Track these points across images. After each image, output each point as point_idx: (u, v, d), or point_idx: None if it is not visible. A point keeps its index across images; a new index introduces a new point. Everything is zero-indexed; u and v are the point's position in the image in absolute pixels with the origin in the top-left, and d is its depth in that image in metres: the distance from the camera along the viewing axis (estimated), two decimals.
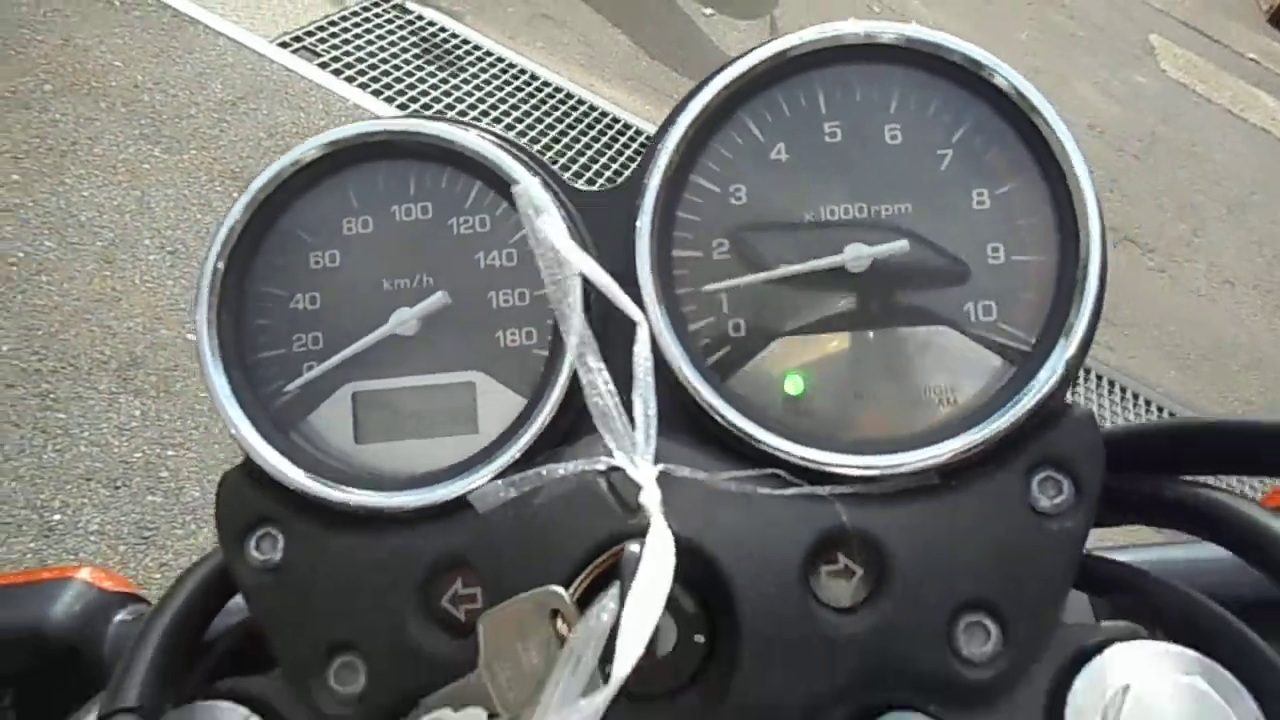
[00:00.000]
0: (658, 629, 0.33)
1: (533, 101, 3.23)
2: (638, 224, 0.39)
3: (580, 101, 3.30)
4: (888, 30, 0.39)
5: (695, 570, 0.35)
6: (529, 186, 0.39)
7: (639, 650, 0.30)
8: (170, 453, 1.96)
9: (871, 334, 0.38)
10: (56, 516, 1.81)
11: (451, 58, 3.26)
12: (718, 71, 0.40)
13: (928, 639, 0.35)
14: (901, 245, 0.37)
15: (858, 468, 0.36)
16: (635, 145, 3.24)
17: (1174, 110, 5.02)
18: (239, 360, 0.40)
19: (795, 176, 0.40)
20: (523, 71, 3.33)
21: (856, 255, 0.38)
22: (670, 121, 0.40)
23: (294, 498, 0.38)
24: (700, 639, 0.36)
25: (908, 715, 0.35)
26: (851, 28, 0.39)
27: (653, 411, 0.36)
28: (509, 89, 3.24)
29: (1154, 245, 4.09)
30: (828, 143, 0.39)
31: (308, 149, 0.41)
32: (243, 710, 0.38)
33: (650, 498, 0.34)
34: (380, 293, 0.41)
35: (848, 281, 0.38)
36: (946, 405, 0.38)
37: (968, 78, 0.39)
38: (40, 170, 2.45)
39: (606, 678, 0.31)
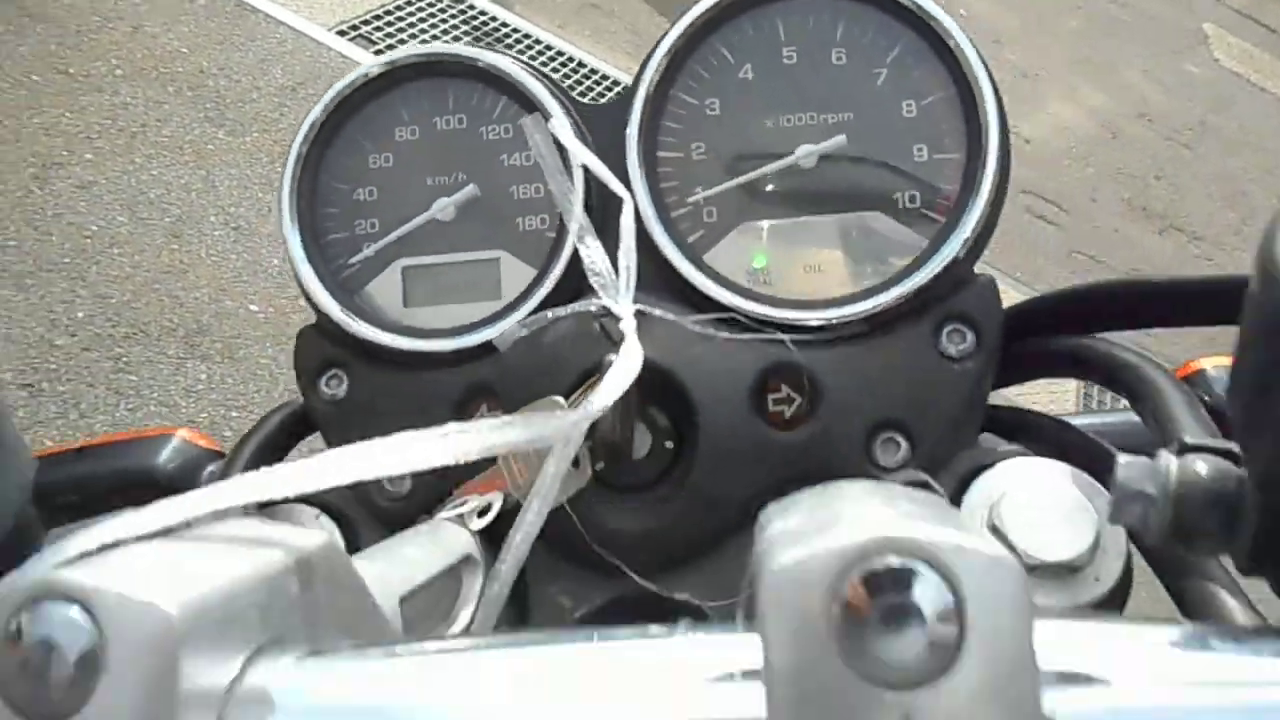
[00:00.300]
0: (635, 435, 0.43)
1: (581, 89, 3.31)
2: (627, 129, 0.48)
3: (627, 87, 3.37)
4: None
5: (665, 391, 0.44)
6: (542, 98, 0.49)
7: (606, 403, 0.39)
8: (234, 414, 2.06)
9: (820, 218, 0.47)
10: None
11: (502, 46, 3.35)
12: (693, 5, 0.49)
13: (850, 450, 0.44)
14: (840, 140, 0.47)
15: (801, 320, 0.45)
16: None
17: (1226, 99, 4.95)
18: (314, 239, 0.49)
19: (759, 91, 0.48)
20: (571, 59, 3.41)
21: (806, 153, 0.47)
22: (655, 48, 0.49)
23: (356, 345, 0.48)
24: (669, 445, 0.46)
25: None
26: None
27: (632, 266, 0.45)
28: (559, 75, 3.32)
29: (1201, 234, 4.05)
30: (786, 64, 0.48)
31: (370, 67, 0.51)
32: (312, 510, 0.46)
33: (627, 325, 0.43)
34: (424, 186, 0.50)
35: (801, 176, 0.47)
36: (877, 273, 0.47)
37: (898, 9, 0.48)
38: (112, 150, 2.57)
39: (592, 457, 0.41)
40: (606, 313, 0.45)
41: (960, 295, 0.45)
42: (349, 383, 0.48)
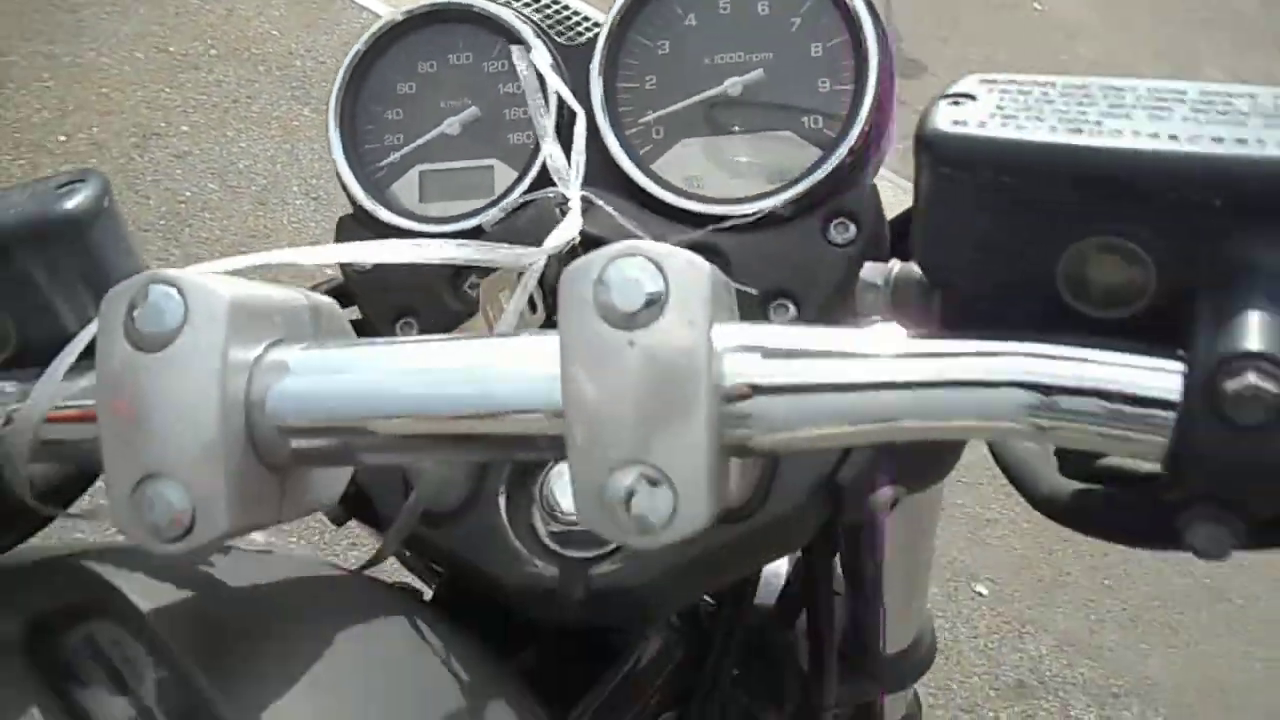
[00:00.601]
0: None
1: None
2: (591, 64, 0.58)
3: None
4: None
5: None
6: (526, 36, 0.59)
7: (551, 247, 0.49)
8: None
9: (742, 136, 0.57)
10: None
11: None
12: None
13: (748, 312, 0.50)
14: (759, 74, 0.57)
15: (720, 213, 0.54)
16: None
17: None
18: (353, 147, 0.60)
19: (699, 35, 0.58)
20: (565, 7, 3.51)
21: (733, 84, 0.57)
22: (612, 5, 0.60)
23: (382, 230, 0.57)
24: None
25: None
26: None
27: (581, 163, 0.54)
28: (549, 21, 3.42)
29: None
30: (721, 14, 0.58)
31: (396, 15, 0.61)
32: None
33: (573, 203, 0.53)
34: (438, 109, 0.60)
35: (729, 102, 0.57)
36: (784, 178, 0.55)
37: None
38: (206, 123, 2.76)
39: (545, 311, 0.50)
40: (564, 200, 0.54)
41: (846, 196, 0.54)
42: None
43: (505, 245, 0.48)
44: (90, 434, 0.34)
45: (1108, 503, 0.30)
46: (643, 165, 0.57)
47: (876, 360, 0.30)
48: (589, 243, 0.52)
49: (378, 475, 0.53)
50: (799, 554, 0.68)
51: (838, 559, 0.72)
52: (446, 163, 0.60)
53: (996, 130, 0.29)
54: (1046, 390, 0.28)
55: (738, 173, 0.57)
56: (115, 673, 0.38)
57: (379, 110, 0.61)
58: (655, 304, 0.28)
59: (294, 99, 2.89)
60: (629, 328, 0.28)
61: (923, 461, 0.50)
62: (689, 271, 0.29)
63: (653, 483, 0.28)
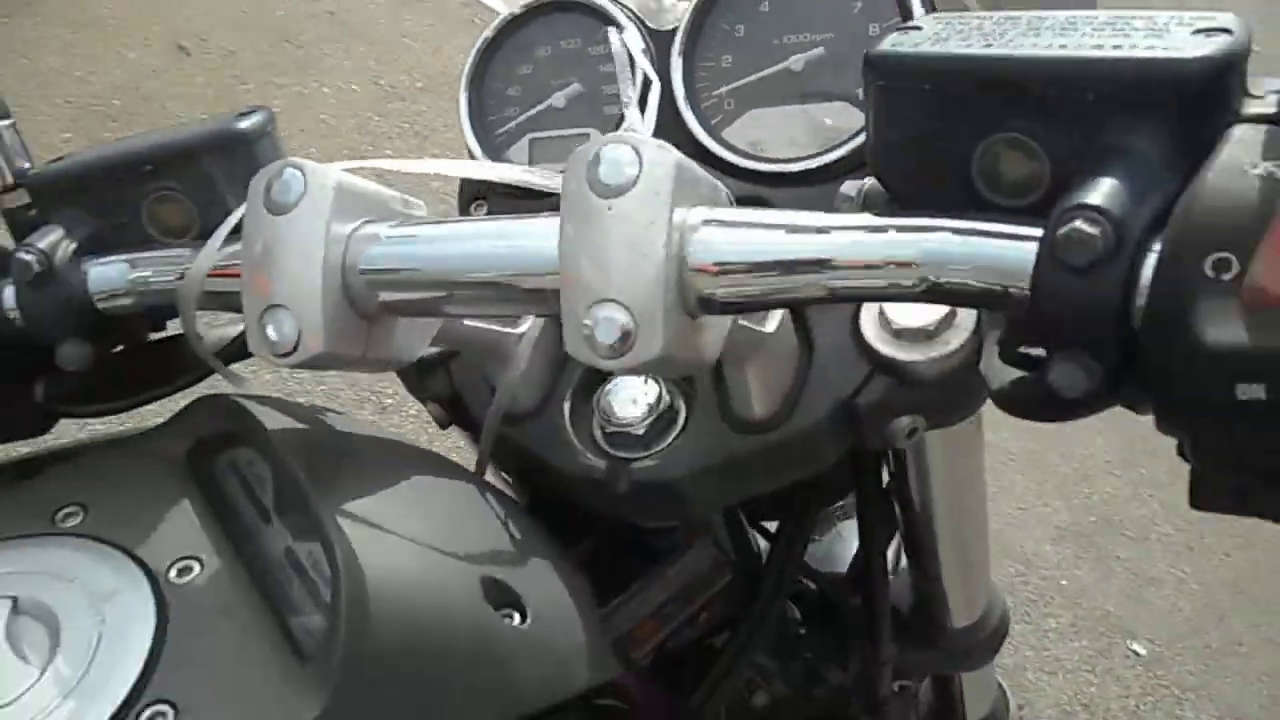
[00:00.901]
0: None
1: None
2: (672, 45, 0.65)
3: None
4: None
5: None
6: (620, 20, 0.67)
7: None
8: None
9: (803, 106, 0.62)
10: (389, 400, 2.29)
11: None
12: None
13: None
14: (820, 51, 0.62)
15: (776, 169, 0.60)
16: None
17: None
18: (479, 115, 0.71)
19: (770, 18, 0.64)
20: None
21: (796, 60, 0.62)
22: None
23: (497, 185, 0.67)
24: None
25: None
26: None
27: (653, 118, 0.61)
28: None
29: None
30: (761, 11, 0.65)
31: (515, 8, 0.71)
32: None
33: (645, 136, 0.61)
34: (548, 85, 0.69)
35: (792, 77, 0.63)
36: (844, 140, 0.60)
37: None
38: (407, 148, 3.03)
39: None
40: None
41: None
42: (488, 208, 0.69)
43: (557, 174, 0.57)
44: (236, 285, 0.45)
45: (1019, 382, 0.34)
46: (713, 132, 0.64)
47: (805, 233, 0.37)
48: None
49: (470, 381, 0.63)
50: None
51: (898, 538, 0.76)
52: (554, 130, 0.69)
53: (925, 49, 0.36)
54: (938, 256, 0.34)
55: (796, 137, 0.62)
56: (247, 484, 0.49)
57: (500, 87, 0.71)
58: (631, 180, 0.36)
59: None
60: (609, 196, 0.36)
61: (942, 395, 0.54)
62: (659, 156, 0.37)
63: (617, 317, 0.36)
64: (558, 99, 0.69)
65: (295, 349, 0.42)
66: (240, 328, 0.57)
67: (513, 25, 0.72)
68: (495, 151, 0.70)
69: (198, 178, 0.50)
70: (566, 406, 0.59)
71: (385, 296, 0.43)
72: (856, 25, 0.63)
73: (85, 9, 3.33)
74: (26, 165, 0.55)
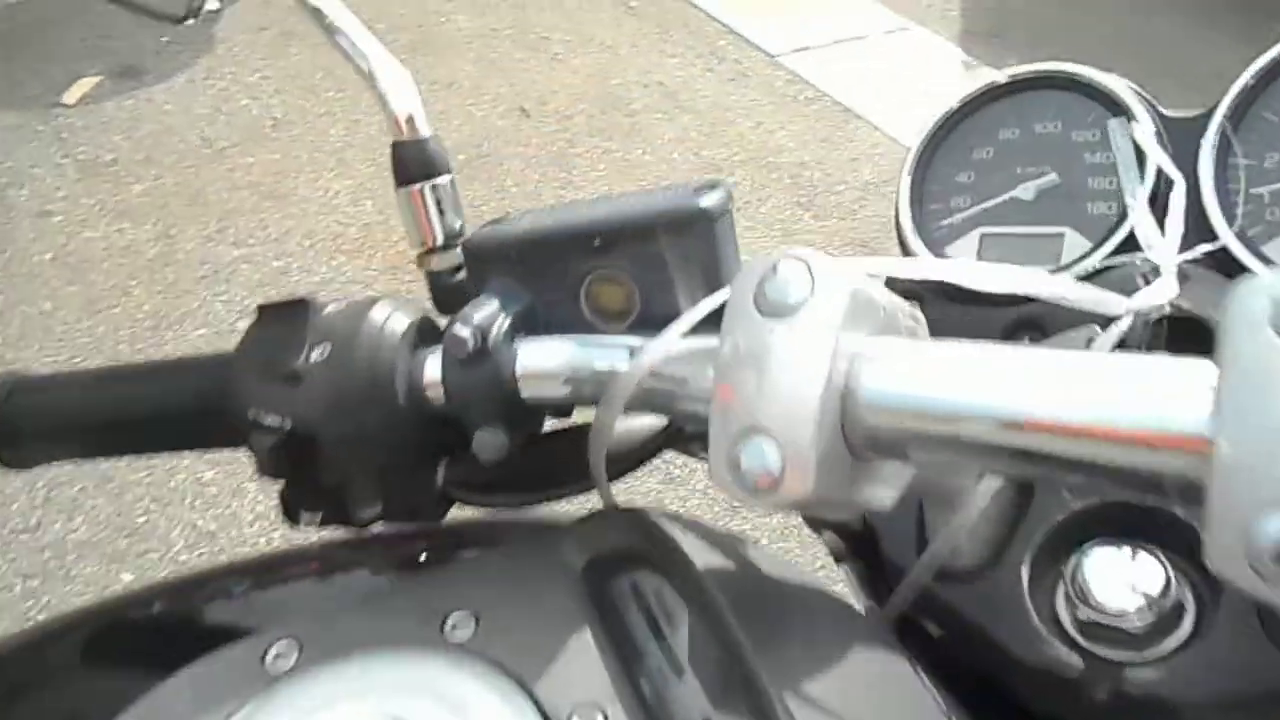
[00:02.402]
0: None
1: None
2: (1201, 140, 0.54)
3: None
4: None
5: (1193, 340, 0.41)
6: (1133, 106, 0.56)
7: (1137, 306, 0.46)
8: None
9: None
10: (676, 471, 2.25)
11: None
12: None
13: None
14: None
15: None
16: None
17: None
18: (919, 203, 0.61)
19: None
20: None
21: None
22: (1245, 71, 0.55)
23: (935, 285, 0.54)
24: None
25: None
26: None
27: (1177, 230, 0.50)
28: None
29: None
30: None
31: (998, 77, 0.61)
32: None
33: (1166, 267, 0.49)
34: (1013, 174, 0.59)
35: None
36: None
37: None
38: None
39: None
40: (1152, 267, 0.49)
41: None
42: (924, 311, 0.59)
43: (1093, 288, 0.45)
44: (676, 385, 0.38)
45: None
46: (1251, 246, 0.51)
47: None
48: (1181, 319, 0.47)
49: (890, 519, 0.52)
50: None
51: None
52: (1013, 227, 0.59)
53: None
54: None
55: None
56: (652, 617, 0.42)
57: (950, 172, 0.62)
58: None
59: (798, 205, 3.09)
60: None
61: None
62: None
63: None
64: (1025, 190, 0.59)
65: (776, 485, 0.33)
66: (643, 426, 0.50)
67: (977, 102, 0.62)
68: (935, 245, 0.60)
69: (649, 256, 0.44)
70: (1025, 571, 0.47)
71: (885, 432, 0.34)
72: None
73: (445, 72, 3.66)
74: (458, 224, 0.51)
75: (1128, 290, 0.48)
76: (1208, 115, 0.56)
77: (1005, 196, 0.59)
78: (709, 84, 3.65)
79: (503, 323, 0.44)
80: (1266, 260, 0.50)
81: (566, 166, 3.24)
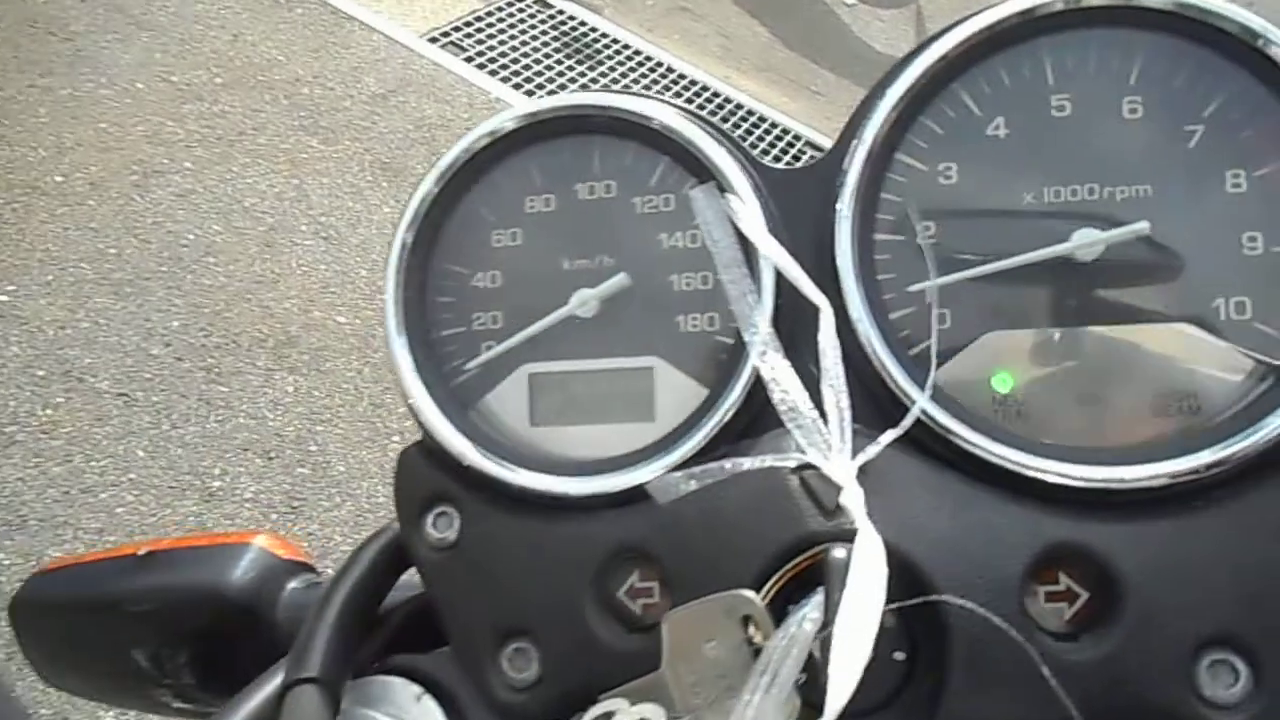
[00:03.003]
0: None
1: (669, 94, 3.26)
2: (838, 205, 0.37)
3: (716, 94, 3.31)
4: None
5: (898, 581, 0.33)
6: (719, 163, 0.38)
7: (855, 673, 0.30)
8: (319, 428, 2.08)
9: (1099, 330, 0.35)
10: (216, 483, 1.95)
11: (590, 51, 3.32)
12: (932, 39, 0.38)
13: (1165, 676, 0.32)
14: (1142, 226, 0.34)
15: (1085, 479, 0.33)
16: (771, 138, 3.23)
17: None
18: (422, 336, 0.41)
19: (1015, 154, 0.37)
20: (660, 64, 3.36)
21: (1086, 242, 0.35)
22: (876, 94, 0.38)
23: (471, 477, 0.39)
24: (900, 656, 0.35)
25: None
26: None
27: (846, 404, 0.34)
28: (646, 81, 3.27)
29: None
30: (1054, 117, 0.37)
31: (503, 121, 0.41)
32: (416, 688, 0.40)
33: (853, 499, 0.33)
34: (560, 273, 0.41)
35: (1074, 271, 0.35)
36: (1186, 414, 0.34)
37: (1234, 46, 0.35)
38: (210, 158, 2.62)
39: (802, 693, 0.31)
40: (810, 467, 0.35)
41: None
42: (461, 523, 0.39)
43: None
44: None
45: None
46: (921, 379, 0.36)
47: None
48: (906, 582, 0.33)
49: None
50: None
51: None
52: (575, 362, 0.40)
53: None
54: None
55: (1097, 396, 0.35)
56: None
57: (465, 274, 0.41)
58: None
59: (301, 129, 2.76)
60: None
61: None
62: None
63: None
64: (583, 302, 0.40)
65: None
66: None
67: (484, 157, 0.42)
68: (458, 403, 0.41)
69: None
70: None
71: None
72: (1200, 170, 0.37)
73: None
74: None
75: (782, 510, 0.34)
76: (834, 165, 0.38)
77: (559, 314, 0.40)
78: None
79: None
80: (951, 403, 0.36)
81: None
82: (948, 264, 0.37)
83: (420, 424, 0.40)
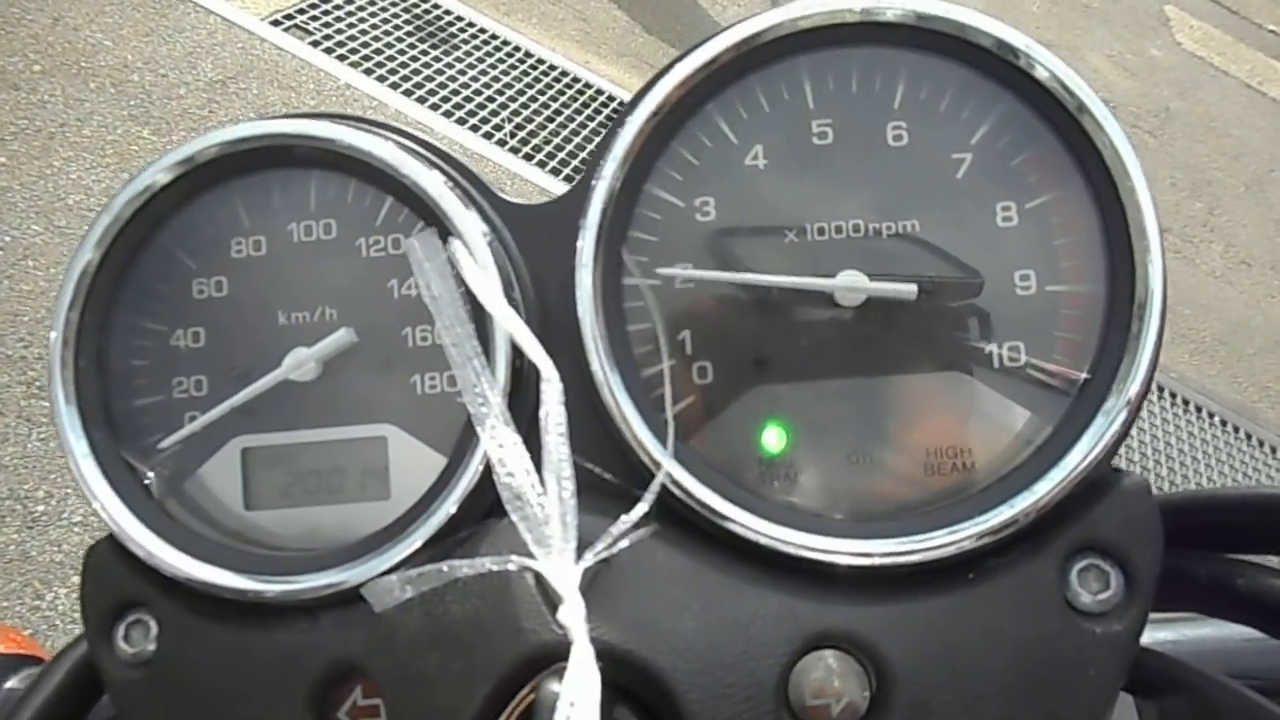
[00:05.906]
0: None
1: (527, 80, 3.18)
2: (578, 246, 0.33)
3: (575, 79, 3.25)
4: (894, 6, 0.32)
5: (643, 686, 0.29)
6: (442, 202, 0.33)
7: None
8: None
9: (866, 381, 0.32)
10: (40, 507, 1.79)
11: (445, 35, 3.21)
12: (681, 57, 0.33)
13: None
14: (909, 290, 0.31)
15: (850, 554, 0.30)
16: None
17: (1190, 84, 4.91)
18: (103, 412, 0.35)
19: (775, 186, 0.33)
20: (517, 49, 3.27)
21: (850, 286, 0.31)
22: (622, 119, 0.33)
23: (169, 579, 0.33)
24: None
25: None
26: (848, 2, 0.32)
27: (569, 494, 0.30)
28: (503, 66, 3.19)
29: (1169, 225, 4.00)
30: (816, 145, 0.33)
31: (191, 149, 0.36)
32: None
33: (571, 613, 0.28)
34: (275, 329, 0.35)
35: (840, 317, 0.32)
36: (962, 471, 0.31)
37: (996, 66, 0.32)
38: (28, 153, 2.42)
39: None
40: (538, 576, 0.30)
41: (1099, 509, 0.29)
42: (158, 633, 0.33)
43: None
44: None
45: None
46: (674, 444, 0.32)
47: None
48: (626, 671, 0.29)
49: None
50: None
51: None
52: (295, 433, 0.35)
53: None
54: None
55: (865, 458, 0.31)
56: None
57: (161, 332, 0.36)
58: None
59: (131, 119, 2.58)
60: None
61: None
62: None
63: None
64: (300, 363, 0.34)
65: None
66: None
67: (178, 192, 0.37)
68: (156, 486, 0.35)
69: None
70: None
71: None
72: (968, 203, 0.34)
73: None
74: None
75: (510, 615, 0.30)
76: (578, 204, 0.33)
77: (273, 377, 0.35)
78: None
79: None
80: (698, 465, 0.32)
81: None
82: (705, 309, 0.33)
83: (104, 520, 0.34)
